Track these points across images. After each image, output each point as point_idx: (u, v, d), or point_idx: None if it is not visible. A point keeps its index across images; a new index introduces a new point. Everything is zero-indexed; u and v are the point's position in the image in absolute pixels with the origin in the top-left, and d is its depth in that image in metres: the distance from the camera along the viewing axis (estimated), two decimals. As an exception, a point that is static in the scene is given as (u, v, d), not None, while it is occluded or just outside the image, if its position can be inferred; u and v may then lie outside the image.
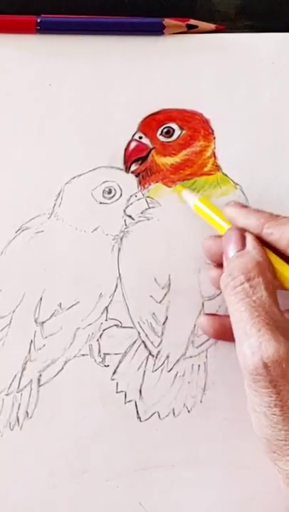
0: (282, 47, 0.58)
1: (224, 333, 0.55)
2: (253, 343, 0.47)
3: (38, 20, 0.55)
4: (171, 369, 0.57)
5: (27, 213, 0.56)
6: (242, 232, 0.53)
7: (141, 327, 0.56)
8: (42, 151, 0.56)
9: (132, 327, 0.56)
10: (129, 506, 0.56)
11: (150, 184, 0.57)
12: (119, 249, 0.57)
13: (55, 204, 0.56)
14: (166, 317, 0.57)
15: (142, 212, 0.57)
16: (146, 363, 0.56)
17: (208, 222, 0.55)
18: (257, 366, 0.47)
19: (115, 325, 0.56)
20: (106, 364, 0.56)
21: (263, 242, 0.52)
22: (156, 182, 0.57)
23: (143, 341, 0.57)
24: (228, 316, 0.51)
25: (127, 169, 0.57)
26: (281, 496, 0.52)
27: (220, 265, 0.55)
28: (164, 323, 0.57)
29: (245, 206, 0.55)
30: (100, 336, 0.56)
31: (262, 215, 0.53)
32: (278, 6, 0.60)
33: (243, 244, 0.52)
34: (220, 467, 0.57)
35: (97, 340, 0.56)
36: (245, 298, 0.49)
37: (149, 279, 0.57)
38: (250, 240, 0.52)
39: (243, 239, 0.52)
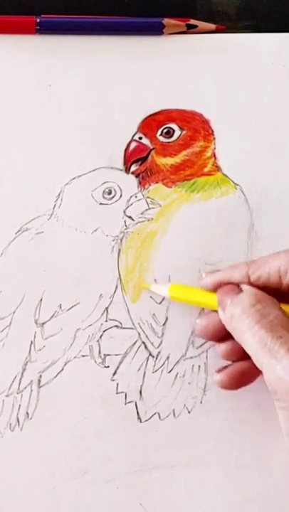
0: (283, 47, 0.58)
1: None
2: (286, 364, 0.45)
3: (38, 21, 0.55)
4: (171, 370, 0.57)
5: (27, 214, 0.56)
6: (234, 283, 0.52)
7: (141, 328, 0.56)
8: (42, 151, 0.56)
9: (132, 328, 0.56)
10: (129, 507, 0.56)
11: (150, 185, 0.57)
12: (120, 250, 0.57)
13: (55, 205, 0.56)
14: (167, 318, 0.57)
15: (142, 213, 0.57)
16: (146, 364, 0.56)
17: (190, 305, 0.55)
18: None
19: (115, 326, 0.56)
20: (106, 365, 0.56)
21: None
22: (157, 182, 0.57)
23: (143, 342, 0.57)
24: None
25: (127, 170, 0.57)
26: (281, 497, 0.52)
27: (223, 339, 0.53)
28: (164, 324, 0.57)
29: (216, 270, 0.54)
30: (100, 336, 0.56)
31: (241, 267, 0.52)
32: (278, 6, 0.60)
33: (240, 290, 0.51)
34: (220, 468, 0.57)
35: (98, 341, 0.56)
36: (262, 319, 0.47)
37: (149, 280, 0.57)
38: (244, 284, 0.51)
39: (237, 286, 0.51)
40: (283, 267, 0.51)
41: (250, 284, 0.51)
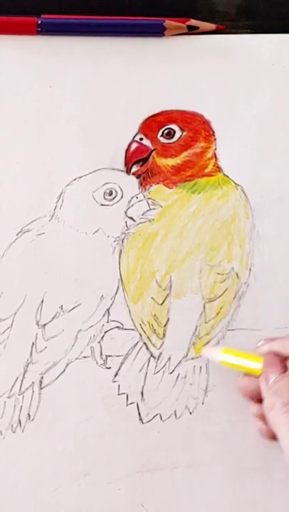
0: (283, 48, 0.58)
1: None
2: None
3: (39, 22, 0.55)
4: (172, 371, 0.57)
5: (28, 215, 0.56)
6: (281, 356, 0.52)
7: (142, 329, 0.56)
8: (43, 152, 0.56)
9: (133, 329, 0.56)
10: (131, 508, 0.56)
11: (151, 185, 0.57)
12: (121, 251, 0.57)
13: (56, 206, 0.56)
14: (168, 319, 0.57)
15: (143, 214, 0.57)
16: (147, 365, 0.56)
17: (239, 371, 0.54)
18: None
19: (117, 327, 0.56)
20: (108, 366, 0.56)
21: None
22: (158, 183, 0.57)
23: (144, 343, 0.57)
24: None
25: (128, 171, 0.57)
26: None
27: (259, 400, 0.53)
28: (165, 325, 0.57)
29: (273, 338, 0.54)
30: (102, 338, 0.56)
31: None
32: (278, 6, 0.59)
33: (284, 367, 0.51)
34: (222, 469, 0.57)
35: (99, 342, 0.56)
36: None
37: (150, 281, 0.57)
38: None
39: (284, 362, 0.51)
40: None
41: None
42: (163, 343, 0.57)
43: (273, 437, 0.51)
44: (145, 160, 0.57)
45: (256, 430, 0.54)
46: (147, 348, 0.57)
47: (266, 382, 0.51)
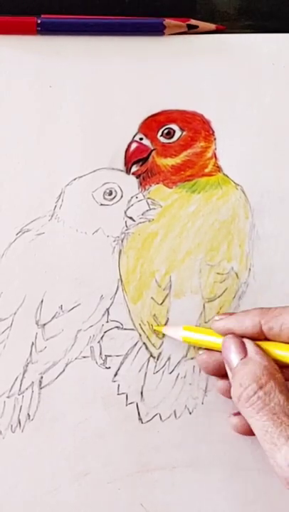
0: (283, 48, 0.58)
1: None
2: (286, 453, 0.46)
3: (39, 21, 0.55)
4: (172, 371, 0.57)
5: (28, 215, 0.56)
6: (240, 339, 0.52)
7: (142, 329, 0.56)
8: (42, 152, 0.56)
9: (133, 329, 0.56)
10: (130, 508, 0.56)
11: (151, 185, 0.57)
12: (120, 251, 0.57)
13: (55, 206, 0.56)
14: (168, 319, 0.57)
15: (142, 214, 0.57)
16: (147, 365, 0.56)
17: (201, 347, 0.55)
18: None
19: (116, 327, 0.56)
20: (107, 366, 0.56)
21: (265, 338, 0.52)
22: (157, 183, 0.57)
23: (144, 343, 0.57)
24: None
25: (128, 170, 0.57)
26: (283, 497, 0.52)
27: (223, 376, 0.54)
28: (165, 325, 0.57)
29: (231, 313, 0.55)
30: (101, 337, 0.56)
31: (254, 314, 0.52)
32: (279, 6, 0.59)
33: (245, 351, 0.51)
34: (221, 469, 0.57)
35: (99, 342, 0.56)
36: (264, 407, 0.48)
37: (150, 281, 0.57)
38: (250, 345, 0.51)
39: (243, 345, 0.52)
40: None
41: (260, 333, 0.52)
42: (162, 342, 0.57)
43: (250, 432, 0.51)
44: (145, 160, 0.57)
45: (231, 427, 0.55)
46: (147, 347, 0.57)
47: (229, 366, 0.51)
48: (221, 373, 0.54)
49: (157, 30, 0.56)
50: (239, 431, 0.54)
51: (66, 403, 0.56)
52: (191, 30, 0.57)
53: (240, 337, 0.52)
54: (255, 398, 0.48)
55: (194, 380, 0.57)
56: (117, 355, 0.56)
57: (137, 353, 0.56)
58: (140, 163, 0.57)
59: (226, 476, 0.57)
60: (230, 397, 0.51)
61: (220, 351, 0.53)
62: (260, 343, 0.52)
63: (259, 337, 0.52)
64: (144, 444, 0.56)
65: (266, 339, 0.52)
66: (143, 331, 0.56)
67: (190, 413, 0.57)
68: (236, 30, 0.58)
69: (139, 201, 0.57)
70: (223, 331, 0.53)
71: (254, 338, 0.52)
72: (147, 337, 0.56)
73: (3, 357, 0.55)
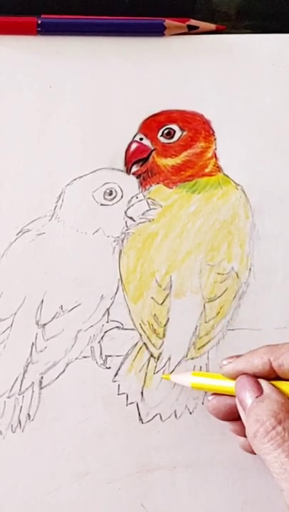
0: (283, 48, 0.58)
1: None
2: None
3: (39, 22, 0.55)
4: (172, 371, 0.57)
5: (28, 215, 0.56)
6: (254, 378, 0.51)
7: (142, 329, 0.56)
8: (43, 152, 0.56)
9: (133, 329, 0.56)
10: (130, 508, 0.56)
11: (151, 185, 0.57)
12: (121, 251, 0.57)
13: (56, 206, 0.56)
14: (168, 319, 0.57)
15: (143, 214, 0.57)
16: (147, 365, 0.56)
17: (211, 392, 0.54)
18: None
19: (117, 327, 0.56)
20: (108, 366, 0.56)
21: (276, 376, 0.51)
22: (157, 183, 0.57)
23: (144, 343, 0.57)
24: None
25: (128, 171, 0.57)
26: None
27: (235, 419, 0.53)
28: (165, 325, 0.57)
29: (238, 356, 0.53)
30: (102, 337, 0.56)
31: (262, 352, 0.51)
32: (279, 6, 0.59)
33: (260, 390, 0.50)
34: (222, 469, 0.57)
35: (99, 342, 0.56)
36: (283, 443, 0.46)
37: (150, 281, 0.57)
38: (265, 384, 0.50)
39: (258, 384, 0.50)
40: None
41: (271, 371, 0.51)
42: (163, 342, 0.57)
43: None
44: (145, 160, 0.57)
45: (239, 446, 0.54)
46: (147, 348, 0.57)
47: (243, 408, 0.50)
48: (233, 417, 0.53)
49: (158, 31, 0.56)
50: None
51: (66, 403, 0.56)
52: (192, 30, 0.57)
53: (254, 376, 0.51)
54: (274, 433, 0.47)
55: (194, 380, 0.57)
56: (118, 356, 0.56)
57: (138, 353, 0.56)
58: (140, 163, 0.57)
59: (226, 476, 0.57)
60: (245, 436, 0.50)
61: (230, 395, 0.52)
62: (274, 382, 0.51)
63: (270, 375, 0.51)
64: (145, 444, 0.56)
65: (277, 377, 0.51)
66: (143, 331, 0.56)
67: (190, 413, 0.57)
68: (236, 30, 0.58)
69: (139, 201, 0.57)
70: (234, 373, 0.52)
71: (265, 377, 0.51)
72: (148, 337, 0.56)
73: (4, 357, 0.55)
